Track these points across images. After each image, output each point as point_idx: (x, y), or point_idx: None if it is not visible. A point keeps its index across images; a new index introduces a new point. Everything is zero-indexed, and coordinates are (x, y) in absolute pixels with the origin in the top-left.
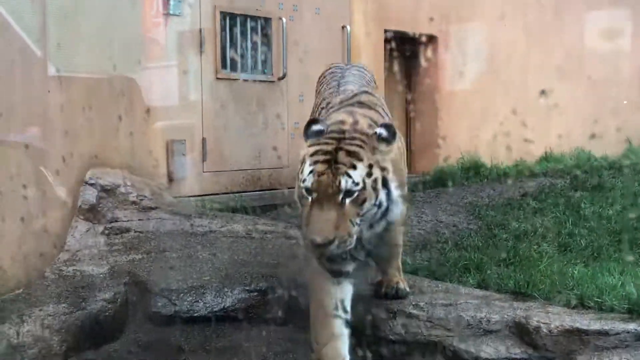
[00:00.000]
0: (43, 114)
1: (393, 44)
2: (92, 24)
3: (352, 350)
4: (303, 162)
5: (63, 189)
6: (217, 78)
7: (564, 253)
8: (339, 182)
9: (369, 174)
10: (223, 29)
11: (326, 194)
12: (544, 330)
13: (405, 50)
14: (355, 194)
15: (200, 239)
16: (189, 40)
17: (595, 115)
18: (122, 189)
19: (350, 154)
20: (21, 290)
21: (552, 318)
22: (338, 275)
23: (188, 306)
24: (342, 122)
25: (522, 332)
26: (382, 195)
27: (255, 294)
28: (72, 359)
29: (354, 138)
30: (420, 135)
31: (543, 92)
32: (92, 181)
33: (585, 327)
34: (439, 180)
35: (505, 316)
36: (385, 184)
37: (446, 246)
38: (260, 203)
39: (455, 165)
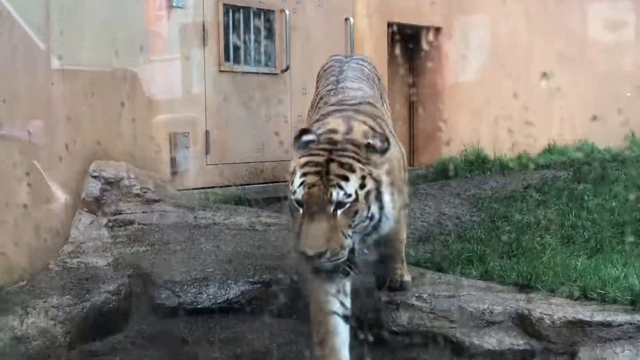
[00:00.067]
0: (46, 105)
1: (396, 36)
2: (95, 17)
3: (356, 342)
4: (294, 173)
5: (66, 181)
6: (220, 70)
7: (567, 245)
8: (330, 194)
9: (362, 186)
10: (226, 21)
11: (317, 205)
12: (547, 321)
13: (409, 42)
14: (347, 206)
15: (203, 231)
16: (192, 32)
17: (598, 107)
18: (126, 182)
19: (342, 165)
20: (25, 282)
21: (554, 309)
22: (333, 282)
23: (192, 298)
24: (334, 131)
25: (525, 323)
26: (375, 207)
27: (259, 285)
28: (76, 351)
29: (345, 149)
30: (423, 127)
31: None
32: (96, 173)
33: (588, 319)
34: (442, 173)
35: (508, 307)
36: (378, 196)
37: (449, 238)
38: (264, 195)
39: (458, 158)
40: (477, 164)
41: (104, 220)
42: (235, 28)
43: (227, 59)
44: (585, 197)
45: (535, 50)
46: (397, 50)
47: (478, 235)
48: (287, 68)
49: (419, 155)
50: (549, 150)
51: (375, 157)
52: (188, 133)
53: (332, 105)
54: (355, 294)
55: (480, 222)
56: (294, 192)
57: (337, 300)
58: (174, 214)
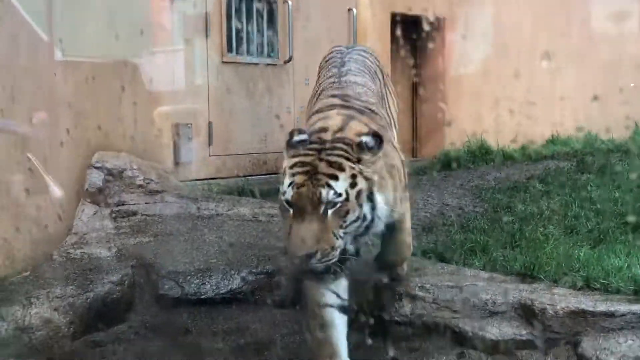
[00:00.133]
0: (49, 96)
1: (400, 27)
2: (98, 8)
3: (359, 332)
4: (284, 173)
5: (70, 172)
6: (223, 62)
7: (570, 235)
8: (320, 194)
9: (353, 185)
10: (229, 12)
11: (307, 206)
12: (550, 311)
13: (412, 33)
14: (338, 206)
15: (206, 222)
16: (195, 23)
17: (602, 98)
18: (129, 173)
19: (331, 164)
20: (29, 272)
21: (557, 300)
22: (324, 282)
23: (195, 288)
24: (324, 130)
25: (527, 313)
26: (367, 207)
27: (262, 276)
28: (80, 341)
29: (335, 148)
30: (426, 118)
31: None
32: (99, 164)
33: (591, 309)
34: (445, 163)
35: (511, 298)
36: (370, 196)
37: (452, 229)
38: (267, 187)
39: (461, 149)
40: (480, 154)
41: (107, 211)
42: (238, 19)
43: (229, 49)
44: (589, 188)
45: (539, 40)
46: (400, 41)
47: (481, 225)
48: (290, 59)
49: (422, 146)
50: (552, 140)
51: (367, 156)
52: (191, 124)
53: (335, 97)
54: (358, 285)
55: (483, 213)
56: (284, 193)
57: (332, 293)
58: (177, 205)
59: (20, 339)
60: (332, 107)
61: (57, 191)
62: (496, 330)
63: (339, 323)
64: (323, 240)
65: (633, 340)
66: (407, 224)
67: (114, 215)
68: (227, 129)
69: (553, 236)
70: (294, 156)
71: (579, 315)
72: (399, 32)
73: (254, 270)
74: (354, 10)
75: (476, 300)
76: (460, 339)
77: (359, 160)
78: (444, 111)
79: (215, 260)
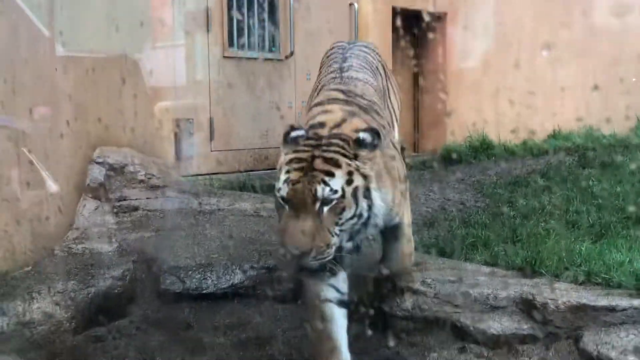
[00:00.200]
0: (50, 92)
1: (401, 21)
2: (98, 1)
3: (360, 327)
4: (280, 170)
5: (70, 164)
6: (225, 56)
7: (571, 230)
8: (315, 191)
9: (349, 182)
10: (230, 6)
11: (302, 202)
12: (551, 306)
13: (414, 28)
14: (333, 202)
15: (208, 217)
16: (196, 18)
17: (604, 92)
18: (130, 168)
19: (327, 160)
20: (30, 267)
21: (559, 294)
22: (320, 279)
23: (196, 283)
24: (322, 125)
25: (529, 308)
26: (363, 205)
27: (263, 271)
28: (81, 336)
29: (331, 144)
30: (428, 113)
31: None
32: (100, 160)
33: (592, 303)
34: (447, 158)
35: (513, 292)
36: (367, 193)
37: (454, 224)
38: (268, 182)
39: (463, 143)
40: (481, 149)
41: (109, 206)
42: (240, 14)
43: (231, 44)
44: (590, 183)
45: (540, 35)
46: (402, 36)
47: (482, 220)
48: (292, 54)
49: (424, 140)
50: (554, 135)
51: (364, 153)
52: (192, 119)
53: (339, 92)
54: (360, 279)
55: (484, 208)
56: (279, 189)
57: (331, 288)
58: (179, 200)
59: (21, 333)
60: (335, 100)
61: (56, 184)
62: (497, 325)
63: (339, 317)
64: (318, 237)
65: (634, 334)
66: (407, 231)
67: (115, 210)
68: (228, 124)
69: (554, 231)
70: (290, 152)
71: (581, 309)
72: (400, 26)
73: (256, 265)
74: (356, 4)
75: (477, 295)
76: (462, 333)
77: (355, 157)
78: (445, 105)
79: (216, 255)
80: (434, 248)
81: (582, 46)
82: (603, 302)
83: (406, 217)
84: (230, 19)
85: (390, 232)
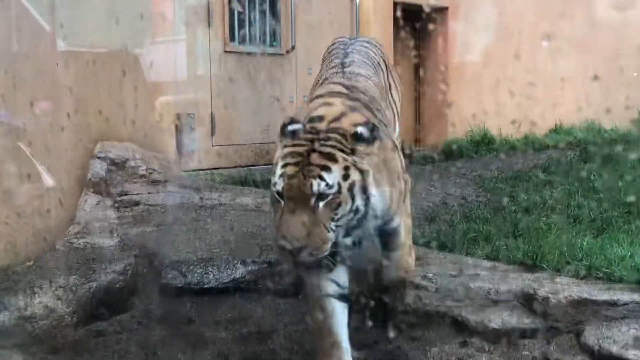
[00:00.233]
0: (51, 86)
1: (402, 14)
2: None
3: (361, 321)
4: (276, 164)
5: (71, 157)
6: (226, 51)
7: (573, 225)
8: (311, 185)
9: (345, 177)
10: (231, 1)
11: (298, 197)
12: (553, 300)
13: (415, 22)
14: (330, 197)
15: (209, 212)
16: (197, 13)
17: (605, 87)
18: (132, 163)
19: (323, 155)
20: (32, 262)
21: (560, 288)
22: (315, 275)
23: (198, 278)
24: (320, 119)
25: (530, 302)
26: (360, 200)
27: (265, 265)
28: (83, 330)
29: (328, 138)
30: (429, 107)
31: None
32: (102, 154)
33: (593, 298)
34: (448, 153)
35: (514, 287)
36: (364, 188)
37: (455, 218)
38: (269, 176)
39: (464, 138)
40: (483, 144)
41: (110, 201)
42: (241, 8)
43: (232, 39)
44: (592, 177)
45: (541, 27)
46: (403, 31)
47: (484, 215)
48: (293, 48)
49: (425, 132)
50: (556, 130)
51: (361, 147)
52: (194, 114)
53: (341, 86)
54: (360, 274)
55: (486, 202)
56: (275, 184)
57: (332, 282)
58: (180, 195)
59: (23, 328)
60: (337, 94)
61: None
62: (499, 319)
63: (340, 312)
64: (314, 233)
65: (635, 328)
66: (406, 239)
67: (116, 205)
68: (229, 119)
69: (556, 225)
70: (286, 146)
71: (582, 304)
72: (401, 20)
73: (257, 260)
74: None
75: (479, 289)
76: (463, 327)
77: (352, 152)
78: (447, 100)
79: (218, 249)
80: (435, 242)
81: (582, 39)
82: (604, 296)
83: (405, 222)
84: (232, 14)
85: (388, 239)
